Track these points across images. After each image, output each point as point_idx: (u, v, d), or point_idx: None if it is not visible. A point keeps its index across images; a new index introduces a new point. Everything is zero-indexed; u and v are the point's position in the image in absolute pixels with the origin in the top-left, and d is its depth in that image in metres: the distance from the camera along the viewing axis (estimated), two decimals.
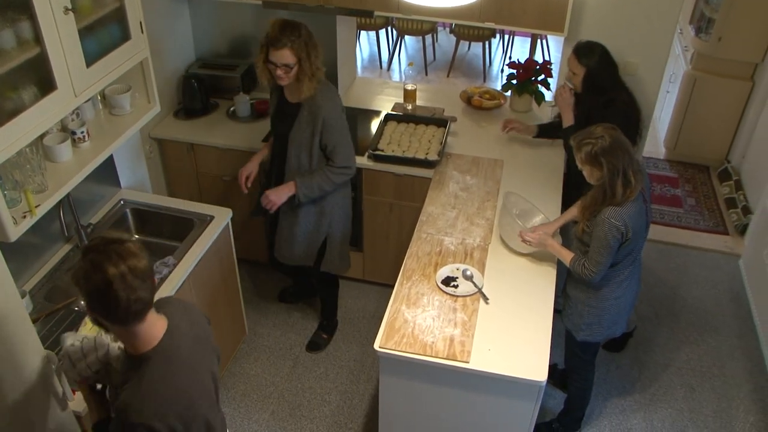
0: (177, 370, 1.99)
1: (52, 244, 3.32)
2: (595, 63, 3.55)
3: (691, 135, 5.94)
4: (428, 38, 7.93)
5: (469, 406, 2.99)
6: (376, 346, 2.87)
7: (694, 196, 5.70)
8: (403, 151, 4.08)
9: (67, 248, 3.37)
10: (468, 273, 3.19)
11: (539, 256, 3.34)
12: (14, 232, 2.58)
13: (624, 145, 2.85)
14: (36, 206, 2.69)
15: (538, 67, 4.43)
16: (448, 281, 3.17)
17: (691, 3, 5.88)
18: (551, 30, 3.86)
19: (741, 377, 4.11)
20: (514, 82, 4.52)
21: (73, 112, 3.03)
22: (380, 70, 7.95)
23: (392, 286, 3.20)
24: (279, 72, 3.25)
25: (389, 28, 8.08)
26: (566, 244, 3.25)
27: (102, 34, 2.91)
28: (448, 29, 8.50)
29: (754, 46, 5.39)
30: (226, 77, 4.58)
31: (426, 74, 7.78)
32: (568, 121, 3.70)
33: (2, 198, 2.49)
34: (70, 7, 2.58)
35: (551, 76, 4.45)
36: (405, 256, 3.36)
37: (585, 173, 2.95)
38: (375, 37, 8.05)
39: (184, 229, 3.56)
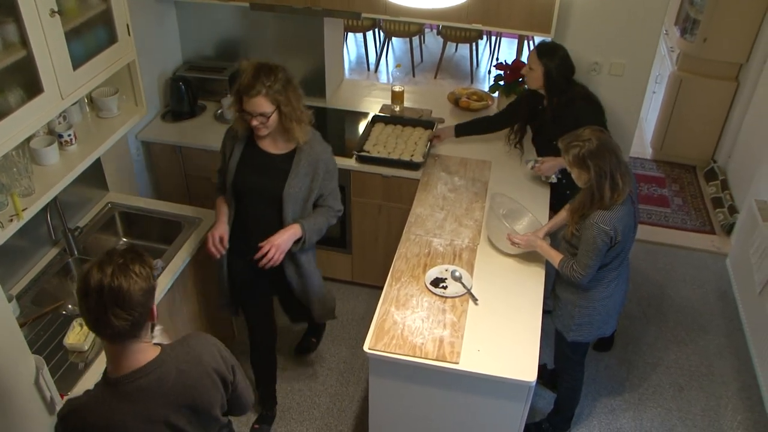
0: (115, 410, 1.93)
1: (39, 247, 3.30)
2: (554, 65, 3.60)
3: (678, 135, 5.98)
4: (415, 40, 7.94)
5: (459, 407, 2.99)
6: (365, 347, 2.87)
7: (681, 196, 5.73)
8: (389, 153, 4.09)
9: (54, 252, 3.35)
10: (457, 274, 3.19)
11: (528, 257, 3.35)
12: (1, 236, 2.57)
13: (611, 147, 2.86)
14: (23, 210, 2.68)
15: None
16: (437, 282, 3.17)
17: (676, 4, 5.92)
18: (538, 31, 3.87)
19: (729, 376, 4.14)
20: (502, 83, 4.53)
21: (59, 114, 3.01)
22: (368, 72, 7.95)
23: (381, 288, 3.20)
24: (255, 122, 2.89)
25: (376, 30, 8.08)
26: (554, 245, 3.26)
27: (88, 36, 2.90)
28: (435, 31, 8.51)
29: (739, 47, 5.43)
30: (213, 79, 4.57)
31: (413, 76, 7.79)
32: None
33: None
34: (56, 9, 2.57)
35: None
36: (394, 257, 3.36)
37: (573, 175, 2.97)
38: (362, 39, 8.05)
39: (172, 231, 3.55)
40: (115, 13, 3.01)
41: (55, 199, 3.10)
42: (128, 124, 3.36)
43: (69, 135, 3.09)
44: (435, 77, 7.76)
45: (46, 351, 2.82)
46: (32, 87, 2.57)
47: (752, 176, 4.90)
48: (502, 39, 8.22)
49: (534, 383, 2.77)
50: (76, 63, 2.78)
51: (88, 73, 2.88)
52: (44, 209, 3.09)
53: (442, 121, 4.40)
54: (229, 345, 4.13)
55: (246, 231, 3.18)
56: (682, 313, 4.54)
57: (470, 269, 3.27)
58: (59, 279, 3.27)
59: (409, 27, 7.47)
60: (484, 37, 8.16)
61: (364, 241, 4.42)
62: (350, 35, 8.38)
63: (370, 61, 8.04)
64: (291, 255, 3.19)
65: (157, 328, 2.40)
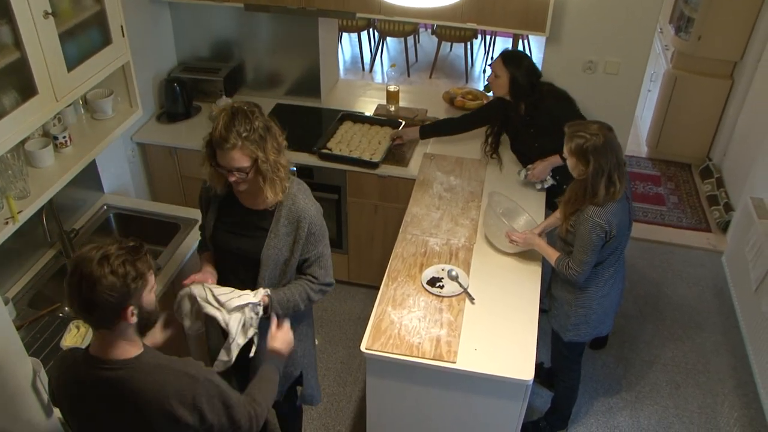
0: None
1: (35, 250, 3.29)
2: (520, 72, 3.63)
3: (673, 133, 5.99)
4: (410, 39, 7.94)
5: (457, 406, 2.99)
6: (362, 347, 2.87)
7: (677, 194, 5.74)
8: (350, 151, 4.11)
9: (50, 254, 3.34)
10: (453, 273, 3.19)
11: (524, 255, 3.35)
12: None
13: (615, 147, 2.86)
14: (18, 212, 2.67)
15: None
16: (433, 282, 3.17)
17: (671, 2, 5.93)
18: (533, 30, 3.88)
19: (725, 373, 4.14)
20: None
21: (54, 116, 3.00)
22: (362, 72, 7.95)
23: (378, 288, 3.20)
24: (233, 178, 2.46)
25: (371, 30, 8.08)
26: (550, 244, 3.26)
27: (83, 38, 2.90)
28: (430, 30, 8.51)
29: (733, 45, 5.44)
30: (208, 81, 4.56)
31: (408, 75, 7.79)
32: (559, 161, 3.70)
33: None
34: (50, 11, 2.57)
35: None
36: (390, 257, 3.36)
37: (570, 164, 2.97)
38: (357, 39, 8.05)
39: (168, 233, 3.55)
40: (109, 15, 3.00)
41: (50, 201, 3.09)
42: (123, 125, 3.35)
43: (64, 137, 3.08)
44: (430, 77, 7.77)
45: (43, 353, 2.82)
46: (27, 89, 2.56)
47: (747, 174, 4.91)
48: (497, 38, 8.23)
49: (531, 382, 2.77)
50: (71, 65, 2.78)
51: (83, 75, 2.88)
52: (40, 211, 3.08)
53: (426, 116, 4.42)
54: None
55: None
56: (679, 311, 4.55)
57: (467, 268, 3.27)
58: (56, 281, 3.26)
59: (404, 27, 7.47)
60: (479, 37, 8.17)
61: (360, 241, 4.42)
62: (345, 35, 8.38)
63: (364, 61, 8.04)
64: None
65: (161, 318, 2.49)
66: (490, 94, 4.65)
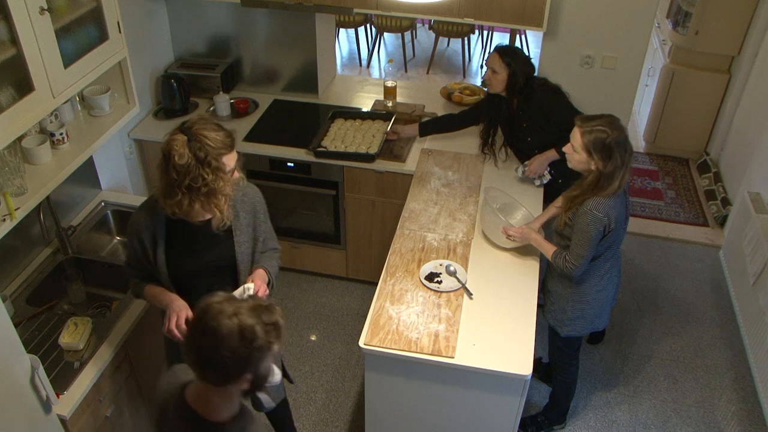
0: None
1: (32, 247, 3.29)
2: (518, 66, 3.63)
3: (670, 128, 5.99)
4: (407, 35, 7.94)
5: (455, 401, 2.99)
6: (360, 343, 2.87)
7: (674, 189, 5.75)
8: (345, 147, 4.11)
9: (48, 251, 3.34)
10: (451, 269, 3.19)
11: (522, 250, 3.36)
12: None
13: (629, 142, 2.85)
14: (16, 209, 2.67)
15: None
16: (431, 277, 3.17)
17: None
18: (530, 25, 3.87)
19: (723, 367, 4.15)
20: None
21: (51, 113, 3.00)
22: (360, 68, 7.94)
23: (376, 284, 3.20)
24: (235, 175, 2.48)
25: (368, 26, 8.07)
26: (547, 238, 3.26)
27: (79, 34, 2.89)
28: (427, 26, 8.50)
29: (731, 39, 5.44)
30: (205, 77, 4.56)
31: (406, 71, 7.78)
32: (555, 155, 3.70)
33: None
34: (45, 7, 2.56)
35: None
36: (388, 253, 3.36)
37: (578, 158, 2.91)
38: (354, 35, 8.04)
39: None
40: (105, 11, 2.99)
41: (47, 198, 3.09)
42: (120, 122, 3.34)
43: (61, 134, 3.07)
44: (427, 72, 7.76)
45: (42, 350, 2.82)
46: (23, 85, 2.56)
47: (745, 168, 4.92)
48: (494, 33, 8.22)
49: (529, 377, 2.78)
50: (67, 61, 2.77)
51: (80, 71, 2.87)
52: (37, 208, 3.08)
53: (433, 114, 4.42)
54: None
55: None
56: (676, 306, 4.55)
57: (465, 264, 3.28)
58: (53, 278, 3.26)
59: (401, 22, 7.47)
60: (476, 32, 8.16)
61: (358, 237, 4.42)
62: (342, 31, 8.37)
63: (362, 57, 8.03)
64: None
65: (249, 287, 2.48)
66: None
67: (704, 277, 4.83)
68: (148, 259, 2.55)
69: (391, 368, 2.93)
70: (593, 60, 4.10)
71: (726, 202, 5.31)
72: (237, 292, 2.49)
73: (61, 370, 2.75)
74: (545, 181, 3.77)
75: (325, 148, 4.10)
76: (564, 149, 2.99)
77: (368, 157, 4.03)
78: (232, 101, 4.49)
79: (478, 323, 2.96)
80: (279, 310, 1.75)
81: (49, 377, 2.44)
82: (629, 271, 4.76)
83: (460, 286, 3.12)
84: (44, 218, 3.24)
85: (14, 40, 2.46)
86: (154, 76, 4.46)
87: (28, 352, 2.35)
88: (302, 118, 4.48)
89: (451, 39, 8.05)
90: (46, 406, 2.45)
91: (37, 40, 2.56)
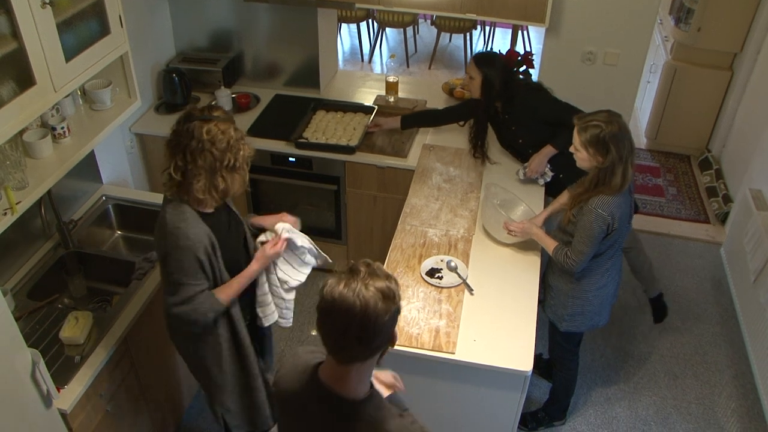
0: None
1: (33, 241, 3.29)
2: (494, 72, 3.61)
3: (672, 125, 5.98)
4: (409, 30, 7.92)
5: (456, 397, 2.99)
6: None
7: (676, 186, 5.74)
8: (327, 139, 4.12)
9: (48, 245, 3.34)
10: (452, 264, 3.19)
11: (523, 246, 3.35)
12: None
13: (628, 134, 2.83)
14: (17, 203, 2.67)
15: (519, 58, 4.44)
16: (432, 273, 3.17)
17: None
18: (532, 21, 3.87)
19: (723, 364, 4.15)
20: None
21: (53, 107, 3.00)
22: (362, 63, 7.93)
23: None
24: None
25: (370, 21, 8.06)
26: (547, 233, 3.25)
27: (81, 28, 2.88)
28: (429, 21, 8.50)
29: (733, 36, 5.43)
30: (207, 71, 4.55)
31: (407, 66, 7.78)
32: (552, 151, 3.70)
33: None
34: (47, 0, 2.55)
35: (533, 67, 4.45)
36: (389, 248, 3.36)
37: (580, 155, 2.91)
38: (356, 30, 8.03)
39: None
40: (107, 5, 2.98)
41: (48, 192, 3.08)
42: (122, 116, 3.34)
43: (62, 128, 3.07)
44: (429, 68, 7.76)
45: (42, 344, 2.82)
46: (24, 79, 2.55)
47: (746, 165, 4.91)
48: (496, 29, 8.21)
49: (530, 373, 2.78)
50: (69, 55, 2.76)
51: (81, 65, 2.86)
52: (38, 202, 3.08)
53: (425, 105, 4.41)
54: None
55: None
56: (677, 302, 4.55)
57: (466, 259, 3.27)
58: (54, 272, 3.26)
59: (403, 17, 7.46)
60: (478, 27, 8.16)
61: (359, 232, 4.42)
62: (344, 26, 8.36)
63: (364, 52, 8.02)
64: None
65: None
66: None
67: (705, 274, 4.83)
68: (212, 268, 2.53)
69: (391, 364, 2.92)
70: (595, 56, 4.10)
71: (727, 199, 5.31)
72: (262, 238, 2.73)
73: (62, 365, 2.75)
74: (548, 179, 3.76)
75: (306, 139, 4.10)
76: (570, 149, 2.98)
77: (348, 149, 4.03)
78: (233, 96, 4.49)
79: (478, 319, 2.96)
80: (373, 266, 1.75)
81: (49, 371, 2.44)
82: (629, 268, 4.75)
83: (461, 281, 3.12)
84: (45, 212, 3.24)
85: (16, 33, 2.46)
86: (155, 71, 4.45)
87: (29, 347, 2.34)
88: (304, 113, 4.48)
89: (453, 34, 8.04)
90: (47, 400, 2.45)
91: (39, 33, 2.55)
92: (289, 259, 2.77)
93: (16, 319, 2.33)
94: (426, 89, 4.79)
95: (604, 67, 4.13)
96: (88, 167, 3.62)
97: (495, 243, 3.40)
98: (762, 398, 3.79)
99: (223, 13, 4.51)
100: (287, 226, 2.71)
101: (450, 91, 4.66)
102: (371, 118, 4.26)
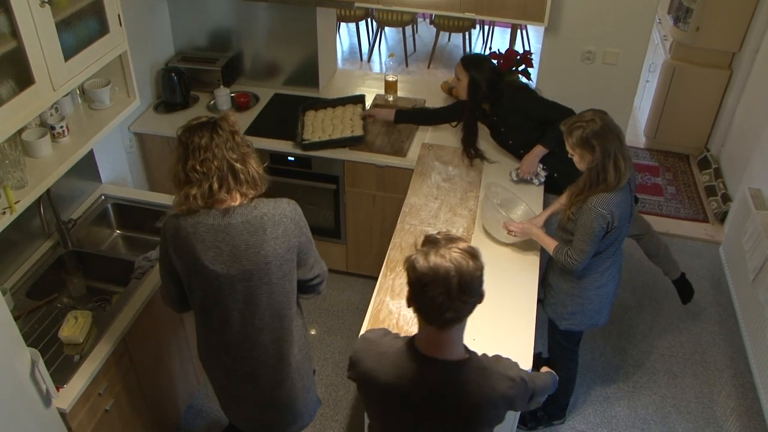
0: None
1: (32, 240, 3.29)
2: (480, 75, 3.62)
3: (671, 124, 5.99)
4: (408, 29, 7.92)
5: None
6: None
7: (675, 185, 5.75)
8: (329, 135, 4.12)
9: (48, 245, 3.34)
10: None
11: (522, 246, 3.35)
12: None
13: (614, 129, 2.84)
14: (16, 202, 2.67)
15: (518, 57, 4.44)
16: None
17: None
18: (531, 20, 3.88)
19: (722, 363, 4.16)
20: None
21: (51, 106, 2.99)
22: (360, 62, 7.93)
23: (376, 278, 3.20)
24: None
25: (369, 20, 8.06)
26: (548, 232, 3.26)
27: (80, 27, 2.88)
28: (428, 20, 8.50)
29: (732, 35, 5.44)
30: (206, 70, 4.55)
31: (406, 65, 7.78)
32: (543, 150, 3.70)
33: None
34: None
35: (532, 66, 4.46)
36: (388, 247, 3.36)
37: (575, 159, 2.93)
38: (355, 29, 8.03)
39: None
40: (106, 4, 2.98)
41: (47, 191, 3.08)
42: (121, 115, 3.34)
43: (61, 127, 3.07)
44: (428, 67, 7.76)
45: (41, 344, 2.82)
46: (23, 78, 2.54)
47: (745, 164, 4.91)
48: (495, 28, 8.22)
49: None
50: (68, 54, 2.76)
51: (80, 64, 2.86)
52: (37, 202, 3.07)
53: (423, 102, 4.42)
54: None
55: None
56: (676, 301, 4.55)
57: None
58: (53, 272, 3.26)
59: (402, 16, 7.46)
60: (477, 27, 8.16)
61: (358, 231, 4.42)
62: (343, 25, 8.36)
63: (363, 51, 8.02)
64: None
65: None
66: None
67: (704, 273, 4.83)
68: None
69: None
70: (594, 55, 4.10)
71: (726, 198, 5.31)
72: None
73: (61, 364, 2.75)
74: (542, 179, 3.75)
75: (308, 140, 4.10)
76: (568, 151, 2.99)
77: (356, 140, 4.04)
78: (232, 95, 4.49)
79: (477, 318, 2.92)
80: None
81: (48, 371, 2.44)
82: (629, 267, 4.75)
83: None
84: (44, 211, 3.23)
85: (14, 32, 2.45)
86: (154, 70, 4.45)
87: (28, 346, 2.35)
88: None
89: (452, 34, 8.04)
90: (46, 399, 2.45)
91: (38, 32, 2.55)
92: None
93: (15, 319, 2.33)
94: (425, 88, 4.79)
95: (603, 67, 4.13)
96: (87, 166, 3.62)
97: (494, 242, 3.40)
98: (761, 397, 3.80)
99: (222, 13, 4.51)
100: None
101: (449, 90, 4.66)
102: (368, 107, 4.25)
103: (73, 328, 2.84)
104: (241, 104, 4.46)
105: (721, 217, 5.26)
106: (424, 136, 4.23)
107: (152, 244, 3.38)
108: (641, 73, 4.20)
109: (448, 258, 1.78)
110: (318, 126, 4.23)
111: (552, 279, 3.27)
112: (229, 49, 4.67)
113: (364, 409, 2.15)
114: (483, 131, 3.93)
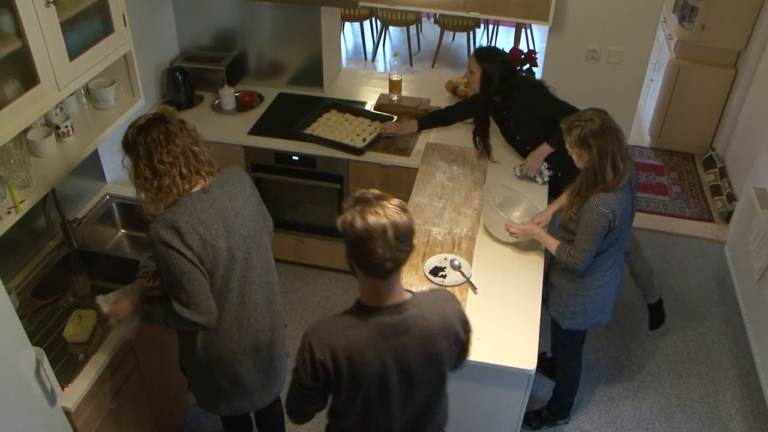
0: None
1: (37, 240, 3.29)
2: (493, 68, 3.61)
3: (676, 123, 5.97)
4: (413, 29, 7.92)
5: (459, 396, 2.98)
6: None
7: (680, 184, 5.73)
8: (334, 137, 4.12)
9: (53, 244, 3.35)
10: (456, 263, 3.19)
11: (526, 245, 3.35)
12: None
13: (613, 129, 2.84)
14: (21, 202, 2.67)
15: (523, 56, 4.43)
16: (436, 271, 3.17)
17: None
18: (536, 19, 3.87)
19: (727, 363, 4.15)
20: None
21: (56, 106, 3.00)
22: (365, 62, 7.93)
23: None
24: None
25: (373, 19, 8.06)
26: (550, 232, 3.25)
27: (84, 27, 2.88)
28: (432, 19, 8.48)
29: (737, 34, 5.42)
30: (210, 70, 4.56)
31: (411, 65, 7.77)
32: (548, 149, 3.70)
33: None
34: None
35: (536, 65, 4.45)
36: None
37: (574, 157, 2.94)
38: (359, 28, 8.02)
39: None
40: (110, 4, 2.98)
41: (53, 190, 3.09)
42: (126, 115, 3.34)
43: (66, 126, 3.07)
44: (433, 66, 7.75)
45: (46, 343, 2.83)
46: (28, 78, 2.55)
47: (751, 164, 4.90)
48: (500, 27, 8.20)
49: (534, 371, 2.78)
50: (73, 54, 2.76)
51: (85, 64, 2.86)
52: (42, 201, 3.08)
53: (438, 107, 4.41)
54: None
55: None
56: (681, 301, 4.55)
57: (469, 258, 3.27)
58: (58, 271, 3.26)
59: (407, 16, 7.45)
60: (482, 26, 8.14)
61: None
62: (347, 24, 8.35)
63: (367, 51, 8.02)
64: None
65: None
66: None
67: (709, 272, 4.82)
68: None
69: None
70: (599, 54, 4.10)
71: (731, 198, 5.30)
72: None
73: (66, 363, 2.76)
74: (546, 179, 3.75)
75: (309, 133, 4.11)
76: (568, 150, 2.99)
77: (354, 150, 4.03)
78: (237, 94, 4.49)
79: (482, 318, 2.96)
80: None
81: (53, 370, 2.44)
82: None
83: (465, 280, 3.12)
84: (49, 211, 3.24)
85: (20, 32, 2.46)
86: (159, 69, 4.46)
87: (33, 345, 2.35)
88: (307, 111, 4.48)
89: (457, 33, 8.02)
90: (51, 398, 2.45)
91: (43, 32, 2.55)
92: None
93: (21, 318, 2.34)
94: (429, 88, 4.79)
95: (607, 66, 4.12)
96: (91, 166, 3.62)
97: (498, 242, 3.39)
98: (766, 397, 3.79)
99: (226, 12, 4.52)
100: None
101: (453, 89, 4.66)
102: (385, 126, 4.20)
103: (77, 327, 2.85)
104: (245, 103, 4.47)
105: (727, 217, 5.25)
106: (429, 135, 4.22)
107: None
108: (646, 72, 4.19)
109: (382, 214, 1.92)
110: (329, 125, 4.23)
111: (554, 278, 3.27)
112: (233, 48, 4.67)
113: (334, 395, 2.19)
114: (494, 129, 3.92)
